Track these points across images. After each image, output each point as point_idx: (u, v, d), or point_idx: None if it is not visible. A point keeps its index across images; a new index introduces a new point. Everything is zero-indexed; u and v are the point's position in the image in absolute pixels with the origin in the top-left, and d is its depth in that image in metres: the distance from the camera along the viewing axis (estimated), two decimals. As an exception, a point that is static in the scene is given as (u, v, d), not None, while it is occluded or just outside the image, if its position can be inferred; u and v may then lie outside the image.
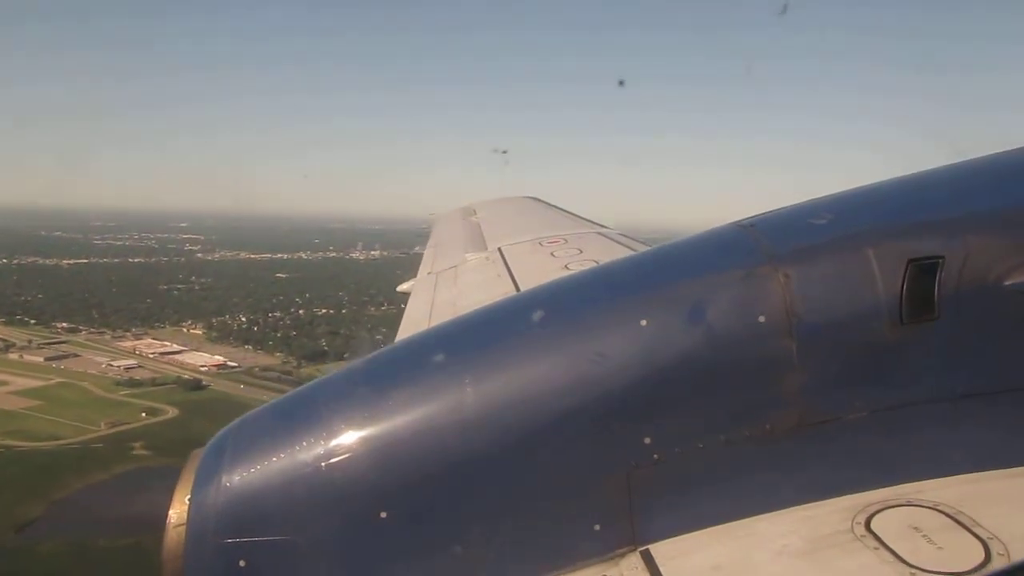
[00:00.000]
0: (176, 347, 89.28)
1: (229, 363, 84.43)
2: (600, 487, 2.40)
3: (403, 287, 8.88)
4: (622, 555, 2.35)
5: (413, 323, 6.35)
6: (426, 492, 2.39)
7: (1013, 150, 2.85)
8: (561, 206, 11.74)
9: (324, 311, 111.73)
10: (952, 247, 2.43)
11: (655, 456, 2.38)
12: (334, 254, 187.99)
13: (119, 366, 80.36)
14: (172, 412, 68.70)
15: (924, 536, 2.07)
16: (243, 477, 2.41)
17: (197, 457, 2.58)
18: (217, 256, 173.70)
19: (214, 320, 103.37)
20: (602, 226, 9.20)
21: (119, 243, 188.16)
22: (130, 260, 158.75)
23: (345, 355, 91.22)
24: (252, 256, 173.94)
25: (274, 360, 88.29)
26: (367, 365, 2.78)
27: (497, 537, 2.41)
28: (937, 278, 2.40)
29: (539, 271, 6.66)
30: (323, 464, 2.39)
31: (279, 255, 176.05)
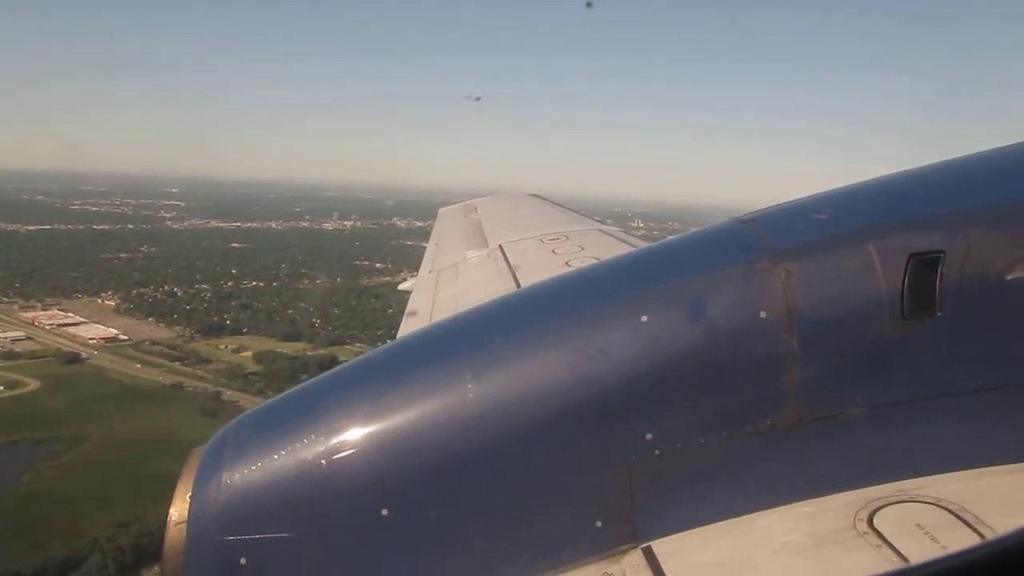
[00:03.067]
0: (76, 319, 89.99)
1: (120, 336, 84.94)
2: (601, 484, 2.41)
3: (404, 285, 8.90)
4: (623, 552, 2.36)
5: (414, 321, 6.35)
6: (427, 489, 2.40)
7: (1015, 144, 2.77)
8: (557, 200, 11.91)
9: (253, 283, 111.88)
10: (954, 242, 2.42)
11: (656, 452, 2.39)
12: (306, 224, 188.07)
13: (6, 337, 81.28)
14: (34, 385, 69.45)
15: (927, 533, 2.05)
16: (244, 475, 2.42)
17: (198, 455, 2.56)
18: (186, 224, 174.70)
19: (134, 291, 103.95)
20: (603, 223, 9.33)
21: (95, 209, 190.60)
22: (94, 227, 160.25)
23: (244, 330, 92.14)
24: (220, 225, 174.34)
25: (171, 334, 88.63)
26: (367, 362, 2.80)
27: (499, 534, 2.42)
28: (939, 273, 2.38)
29: (540, 268, 6.56)
30: (324, 462, 2.40)
31: (249, 224, 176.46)
